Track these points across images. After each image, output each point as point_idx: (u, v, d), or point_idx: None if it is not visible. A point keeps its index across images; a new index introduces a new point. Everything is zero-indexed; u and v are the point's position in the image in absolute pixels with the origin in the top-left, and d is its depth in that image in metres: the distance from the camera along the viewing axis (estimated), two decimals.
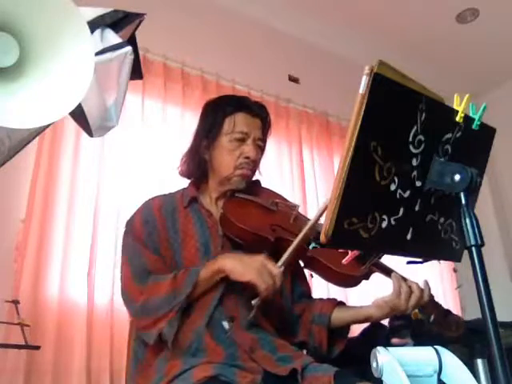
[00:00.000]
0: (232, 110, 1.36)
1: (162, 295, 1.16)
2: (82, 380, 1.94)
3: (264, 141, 1.42)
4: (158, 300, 1.17)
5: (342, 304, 1.36)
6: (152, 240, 1.28)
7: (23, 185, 2.14)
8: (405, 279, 1.24)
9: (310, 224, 1.22)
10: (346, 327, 1.34)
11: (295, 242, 1.22)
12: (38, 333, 1.89)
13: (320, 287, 2.36)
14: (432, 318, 1.27)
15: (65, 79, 1.00)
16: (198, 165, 1.40)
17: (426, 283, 1.25)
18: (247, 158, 1.34)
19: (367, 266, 1.29)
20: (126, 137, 2.42)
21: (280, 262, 1.19)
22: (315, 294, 1.49)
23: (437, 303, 1.31)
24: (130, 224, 1.34)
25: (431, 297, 1.28)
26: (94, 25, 1.29)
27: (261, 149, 1.41)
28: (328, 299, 1.39)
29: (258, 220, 1.33)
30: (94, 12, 1.33)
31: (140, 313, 1.21)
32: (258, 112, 1.40)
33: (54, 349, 1.93)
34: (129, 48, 1.34)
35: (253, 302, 1.17)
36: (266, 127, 1.42)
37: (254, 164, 1.38)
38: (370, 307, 1.28)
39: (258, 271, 1.13)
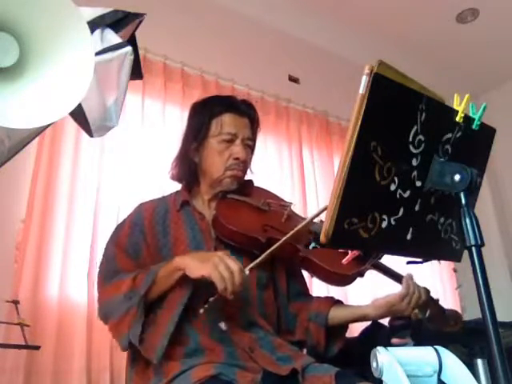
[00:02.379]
0: (219, 111, 1.35)
1: (119, 295, 1.16)
2: (82, 380, 1.94)
3: (253, 140, 1.41)
4: (115, 300, 1.17)
5: (339, 302, 1.36)
6: (135, 243, 1.29)
7: (23, 185, 2.14)
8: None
9: (285, 237, 1.21)
10: (343, 326, 1.34)
11: (269, 250, 1.19)
12: (38, 333, 1.89)
13: (320, 286, 2.36)
14: (428, 312, 1.27)
15: (65, 79, 1.00)
16: (188, 168, 1.39)
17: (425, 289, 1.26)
18: (237, 158, 1.34)
19: (367, 266, 1.29)
20: (126, 137, 2.42)
21: (248, 267, 1.14)
22: (315, 293, 1.49)
23: (432, 298, 1.31)
24: (116, 229, 1.35)
25: (427, 292, 1.28)
26: (94, 25, 1.29)
27: (250, 148, 1.40)
28: (325, 297, 1.39)
29: (250, 221, 1.32)
30: (94, 12, 1.33)
31: (103, 314, 1.23)
32: (246, 111, 1.39)
33: (54, 349, 1.93)
34: (129, 48, 1.34)
35: (210, 299, 1.12)
36: (254, 125, 1.41)
37: (245, 164, 1.37)
38: (367, 307, 1.28)
39: (214, 265, 1.07)
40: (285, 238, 1.21)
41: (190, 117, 1.43)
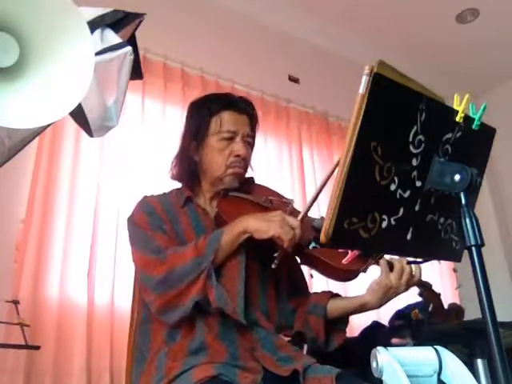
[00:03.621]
0: (217, 109, 1.34)
1: (186, 263, 1.14)
2: (82, 380, 1.94)
3: (253, 137, 1.40)
4: (183, 268, 1.14)
5: (337, 295, 1.36)
6: (159, 226, 1.26)
7: (23, 185, 2.14)
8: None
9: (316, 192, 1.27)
10: (343, 318, 1.33)
11: (314, 194, 1.27)
12: (38, 333, 1.89)
13: (320, 284, 2.36)
14: (431, 306, 1.27)
15: (65, 79, 1.00)
16: (188, 167, 1.38)
17: (418, 266, 1.25)
18: (237, 156, 1.33)
19: (367, 265, 1.29)
20: (126, 137, 2.42)
21: (300, 217, 1.24)
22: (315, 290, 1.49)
23: (435, 292, 1.31)
24: (132, 218, 1.32)
25: (429, 285, 1.28)
26: (94, 25, 1.30)
27: (250, 145, 1.39)
28: (323, 291, 1.39)
29: None
30: (94, 12, 1.34)
31: (163, 285, 1.16)
32: (245, 108, 1.38)
33: (54, 349, 1.93)
34: (129, 48, 1.34)
35: (275, 254, 1.21)
36: (253, 122, 1.40)
37: (245, 161, 1.37)
38: (364, 295, 1.28)
39: (280, 225, 1.16)
40: (316, 191, 1.28)
41: (189, 116, 1.42)
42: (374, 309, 1.30)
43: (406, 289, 1.23)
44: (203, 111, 1.36)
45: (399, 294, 1.24)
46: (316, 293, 1.40)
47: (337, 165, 1.20)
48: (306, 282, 1.45)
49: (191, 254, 1.15)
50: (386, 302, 1.26)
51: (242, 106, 1.38)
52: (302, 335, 1.32)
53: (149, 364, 1.19)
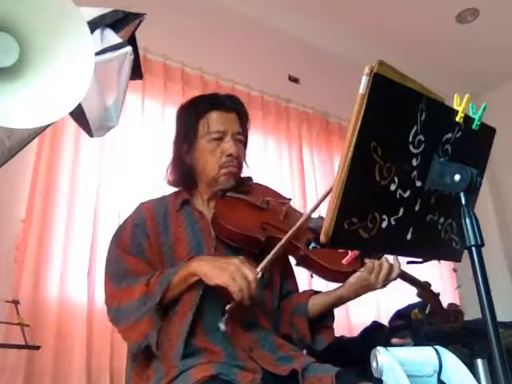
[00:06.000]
0: (204, 111, 1.34)
1: (133, 301, 1.16)
2: (82, 380, 1.94)
3: (244, 134, 1.39)
4: (129, 306, 1.16)
5: (317, 293, 1.37)
6: (138, 244, 1.27)
7: (23, 185, 2.14)
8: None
9: (288, 234, 1.22)
10: (328, 315, 1.33)
11: (275, 248, 1.20)
12: (38, 333, 1.89)
13: (319, 287, 2.36)
14: (428, 307, 1.27)
15: (65, 79, 1.00)
16: (182, 171, 1.39)
17: (396, 258, 1.26)
18: (229, 155, 1.33)
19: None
20: (126, 137, 2.42)
21: (259, 268, 1.15)
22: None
23: (433, 292, 1.31)
24: (118, 230, 1.34)
25: (427, 285, 1.28)
26: (93, 25, 1.30)
27: (242, 143, 1.39)
28: (304, 291, 1.40)
29: (248, 220, 1.32)
30: (94, 12, 1.34)
31: (113, 317, 1.22)
32: (232, 106, 1.38)
33: (53, 349, 1.93)
34: (129, 48, 1.34)
35: (227, 307, 1.12)
36: (243, 120, 1.39)
37: (238, 160, 1.36)
38: (339, 287, 1.29)
39: (231, 274, 1.08)
40: (288, 234, 1.21)
41: (178, 120, 1.42)
42: (349, 300, 1.31)
43: (384, 285, 1.24)
44: (191, 114, 1.36)
45: (376, 289, 1.25)
46: (297, 293, 1.40)
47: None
48: (297, 285, 1.45)
49: (140, 292, 1.15)
50: (362, 295, 1.28)
51: (229, 104, 1.38)
52: (289, 338, 1.32)
53: (145, 367, 1.19)
